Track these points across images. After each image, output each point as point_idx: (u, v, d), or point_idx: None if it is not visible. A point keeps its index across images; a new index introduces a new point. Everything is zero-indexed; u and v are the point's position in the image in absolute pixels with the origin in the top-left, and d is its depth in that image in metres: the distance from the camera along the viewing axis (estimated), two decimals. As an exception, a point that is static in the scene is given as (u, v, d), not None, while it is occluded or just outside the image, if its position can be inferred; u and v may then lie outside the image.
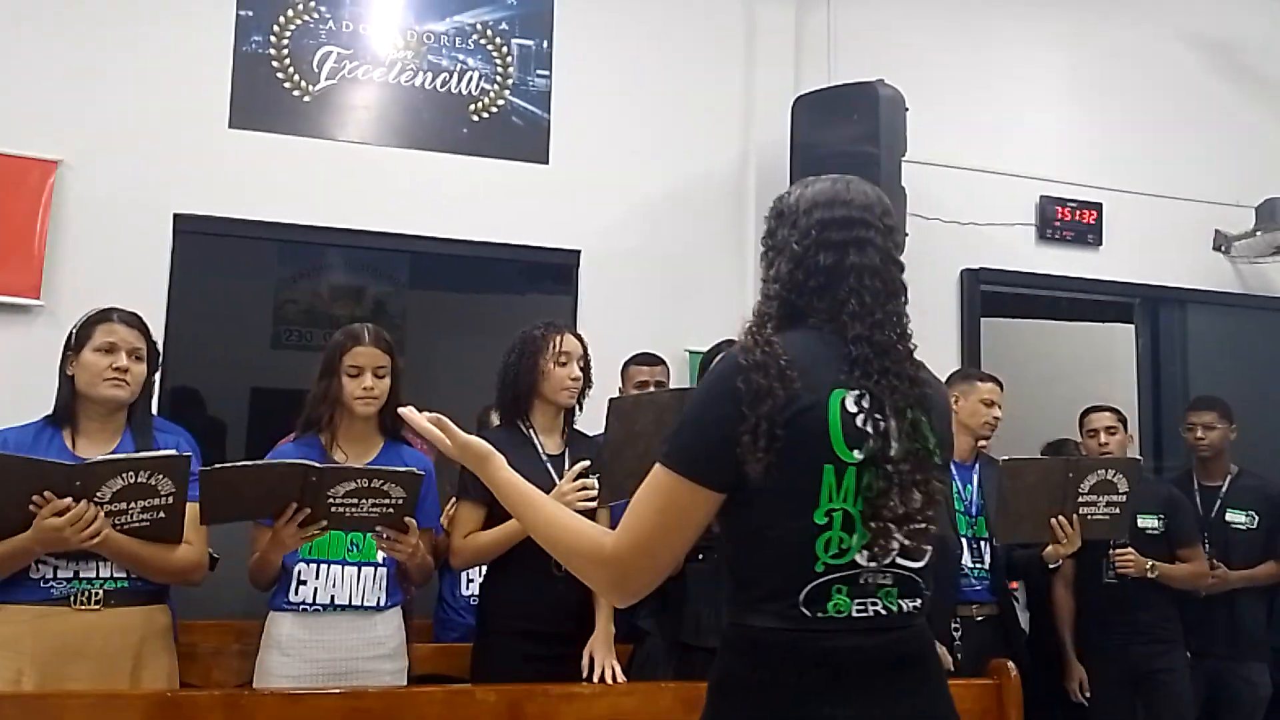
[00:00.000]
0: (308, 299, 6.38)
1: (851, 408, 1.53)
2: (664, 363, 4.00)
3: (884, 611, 1.55)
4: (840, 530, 1.51)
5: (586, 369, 3.02)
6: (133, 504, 2.43)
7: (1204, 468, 4.37)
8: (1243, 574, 4.20)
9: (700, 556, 2.83)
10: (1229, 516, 4.27)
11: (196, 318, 4.61)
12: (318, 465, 2.51)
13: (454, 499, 3.16)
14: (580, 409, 3.06)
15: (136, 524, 2.47)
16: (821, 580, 1.51)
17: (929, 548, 1.59)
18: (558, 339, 2.96)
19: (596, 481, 2.81)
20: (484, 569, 3.04)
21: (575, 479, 2.76)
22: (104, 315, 2.66)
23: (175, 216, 4.13)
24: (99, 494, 2.38)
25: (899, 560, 1.55)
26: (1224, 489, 4.31)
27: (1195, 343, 5.34)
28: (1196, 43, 5.48)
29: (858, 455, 1.52)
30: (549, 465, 2.92)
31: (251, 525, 2.72)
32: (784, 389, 1.49)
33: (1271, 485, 4.39)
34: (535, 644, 2.79)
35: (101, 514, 2.38)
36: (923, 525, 1.55)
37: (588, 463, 2.78)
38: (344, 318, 5.73)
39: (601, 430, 2.40)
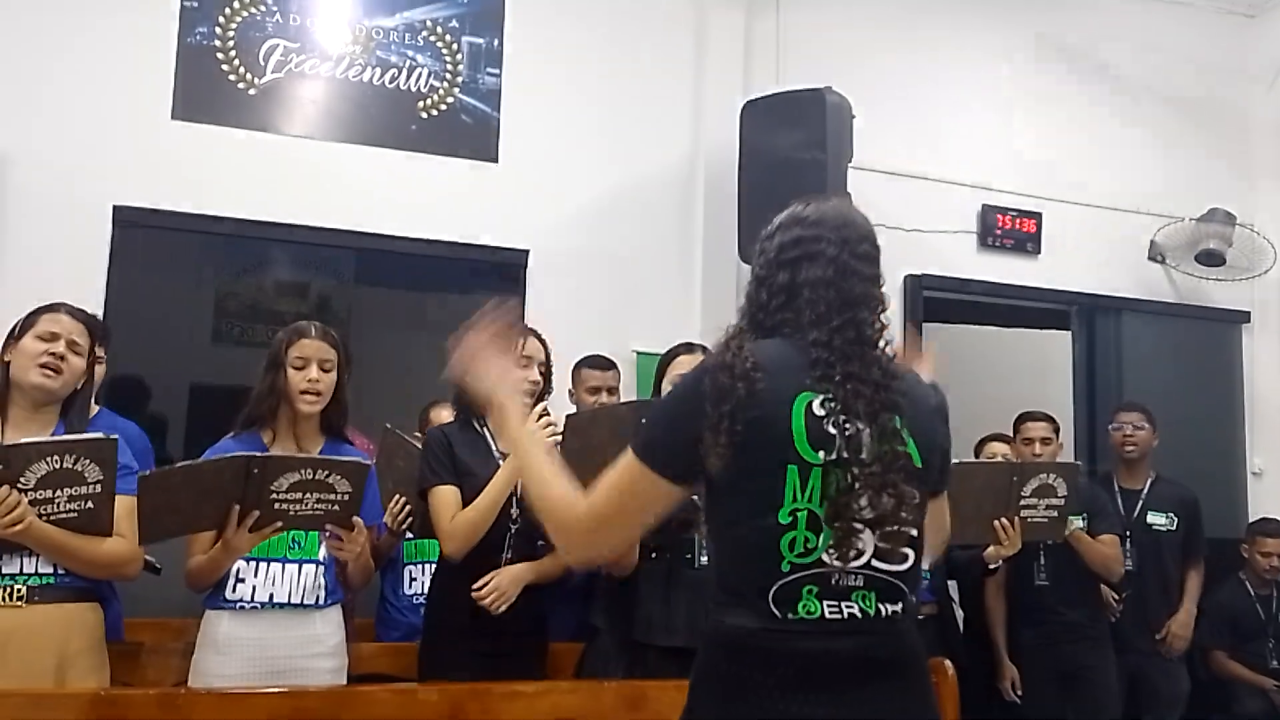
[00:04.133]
0: (250, 294, 6.29)
1: (819, 410, 1.57)
2: (616, 367, 4.00)
3: (859, 614, 1.56)
4: (805, 530, 1.54)
5: (547, 374, 3.02)
6: (59, 492, 2.36)
7: (1126, 470, 4.49)
8: (1186, 611, 4.38)
9: (654, 555, 2.86)
10: (1150, 519, 4.39)
11: (135, 311, 4.53)
12: (259, 455, 2.47)
13: (396, 496, 3.15)
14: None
15: (64, 514, 2.39)
16: (789, 580, 1.54)
17: (909, 552, 1.61)
18: (521, 342, 2.95)
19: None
20: (433, 567, 3.03)
21: (538, 419, 2.75)
22: (52, 306, 2.61)
23: (115, 209, 4.06)
24: (22, 480, 2.30)
25: (874, 563, 1.57)
26: (1144, 492, 4.44)
27: (1130, 350, 5.47)
28: (1135, 57, 5.61)
29: (823, 456, 1.55)
30: (502, 462, 2.90)
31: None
32: (747, 388, 1.55)
33: (1187, 490, 4.53)
34: (482, 640, 2.77)
35: (25, 500, 2.31)
36: (899, 529, 1.57)
37: (545, 404, 2.80)
38: (288, 313, 5.66)
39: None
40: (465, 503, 2.81)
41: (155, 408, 5.12)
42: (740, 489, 1.57)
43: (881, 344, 1.65)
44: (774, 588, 1.54)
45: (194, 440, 4.72)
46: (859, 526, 1.55)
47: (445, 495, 2.82)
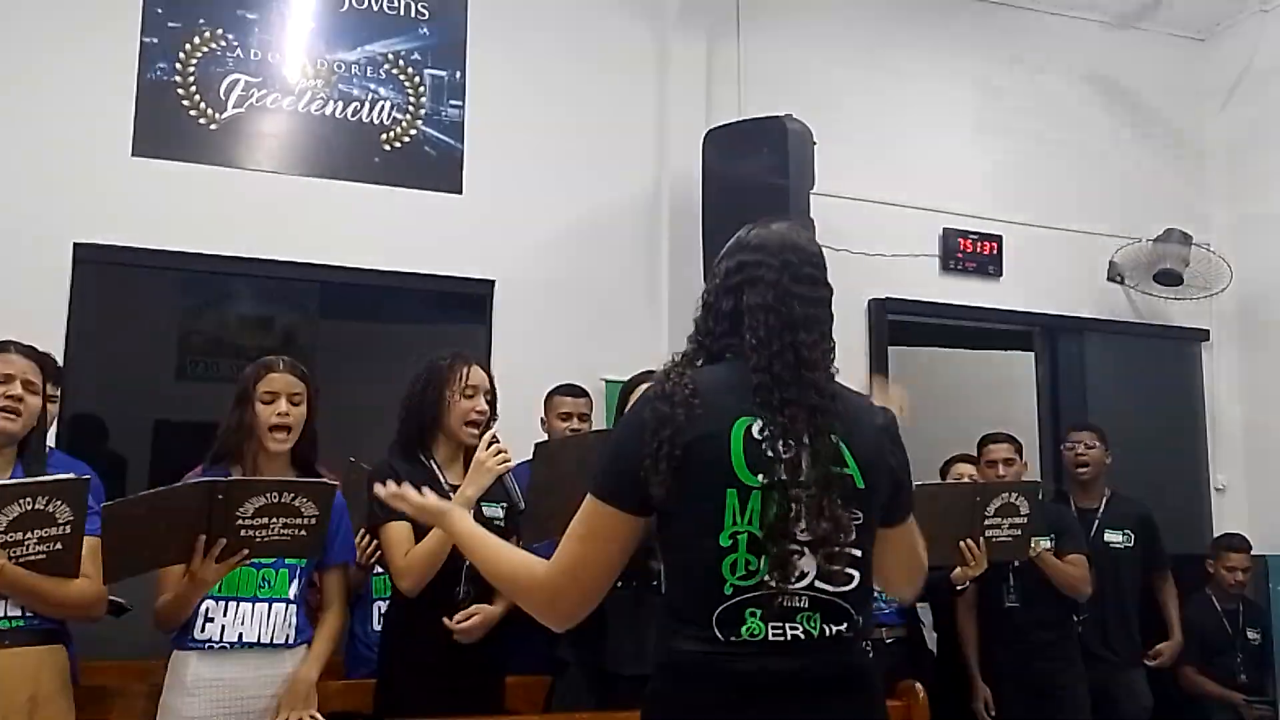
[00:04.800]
0: (214, 329, 6.25)
1: (757, 434, 1.58)
2: (588, 394, 4.00)
3: (803, 636, 1.57)
4: (746, 553, 1.56)
5: (493, 403, 2.99)
6: (29, 534, 2.33)
7: (1081, 490, 4.53)
8: (1175, 641, 4.50)
9: (620, 584, 2.84)
10: (1107, 537, 4.43)
11: (97, 349, 4.49)
12: (223, 480, 2.45)
13: (362, 531, 3.12)
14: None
15: (32, 556, 2.36)
16: (731, 603, 1.56)
17: (853, 572, 1.61)
18: (465, 370, 2.93)
19: (521, 520, 2.81)
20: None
21: (488, 447, 2.75)
22: (1, 346, 2.58)
23: (75, 246, 4.03)
24: None
25: (817, 584, 1.58)
26: (1100, 510, 4.47)
27: (1092, 370, 5.52)
28: (1093, 82, 5.70)
29: (761, 479, 1.57)
30: (452, 495, 2.88)
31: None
32: (686, 415, 1.58)
33: (1142, 505, 4.58)
34: (439, 676, 2.74)
35: None
36: (840, 549, 1.58)
37: (494, 429, 2.83)
38: (252, 348, 5.62)
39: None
40: (418, 537, 2.78)
41: (118, 446, 5.07)
42: (683, 514, 1.59)
43: (824, 365, 1.67)
44: (717, 611, 1.56)
45: (158, 478, 4.63)
46: (798, 548, 1.56)
47: (397, 532, 2.78)
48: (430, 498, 1.91)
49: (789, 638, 1.56)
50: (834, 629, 1.60)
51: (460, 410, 2.89)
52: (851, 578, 1.61)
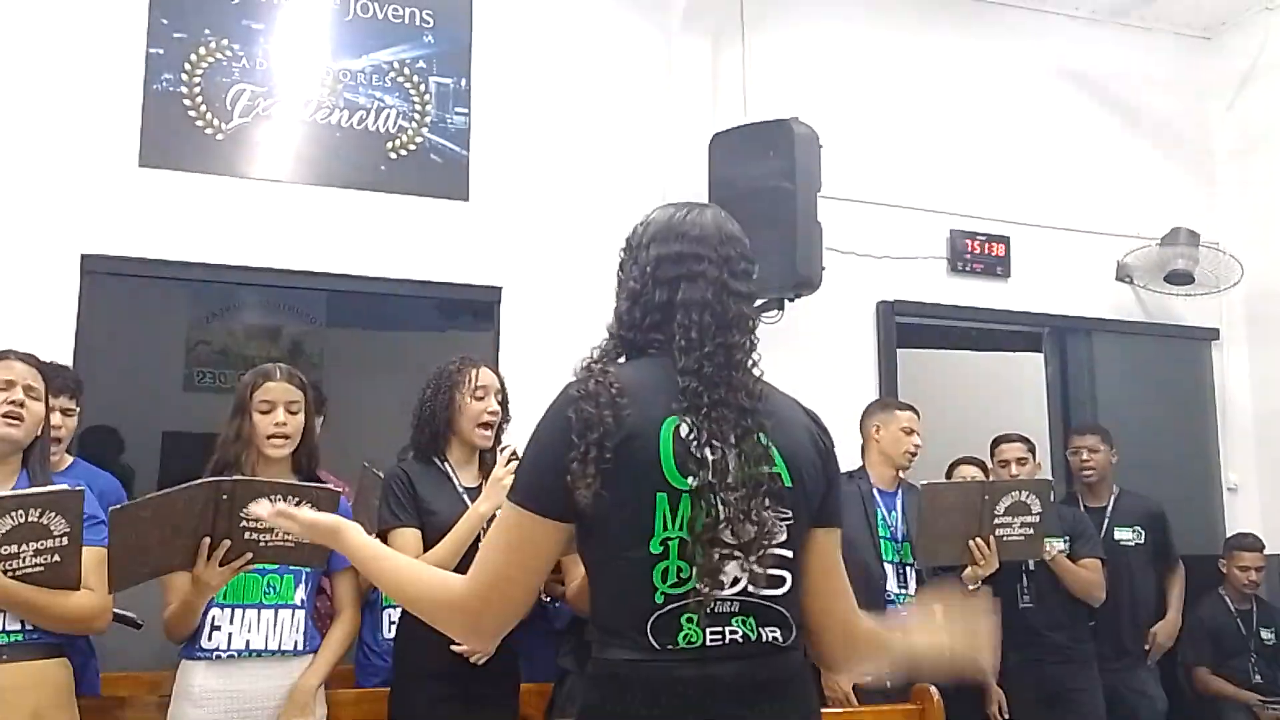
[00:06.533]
0: (221, 339, 6.27)
1: (685, 434, 1.52)
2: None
3: (740, 639, 1.52)
4: (677, 559, 1.50)
5: (504, 403, 3.01)
6: (24, 546, 2.32)
7: (1089, 490, 4.52)
8: (1170, 621, 4.45)
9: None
10: (1117, 535, 4.42)
11: (106, 360, 4.50)
12: (229, 479, 2.44)
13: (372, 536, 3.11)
14: (500, 444, 3.03)
15: (30, 569, 2.35)
16: (664, 611, 1.49)
17: (785, 574, 1.56)
18: (474, 373, 2.94)
19: None
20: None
21: (507, 463, 2.72)
22: (1, 354, 2.58)
23: (83, 257, 4.03)
24: None
25: (749, 588, 1.53)
26: (1109, 509, 4.47)
27: (1102, 370, 5.49)
28: (1096, 80, 5.68)
29: (691, 482, 1.50)
30: (465, 498, 2.88)
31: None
32: (613, 415, 1.50)
33: (1152, 501, 4.57)
34: (453, 684, 2.73)
35: None
36: (768, 551, 1.53)
37: (512, 448, 2.78)
38: (259, 358, 5.64)
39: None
40: (429, 543, 2.77)
41: (127, 457, 5.07)
42: (611, 520, 1.51)
43: (753, 365, 1.61)
44: (651, 619, 1.49)
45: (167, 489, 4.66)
46: (727, 553, 1.50)
47: (405, 538, 2.78)
48: (320, 515, 1.76)
49: (728, 641, 1.51)
50: (769, 633, 1.54)
51: (472, 412, 2.91)
52: (782, 580, 1.56)
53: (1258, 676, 4.71)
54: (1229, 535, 5.18)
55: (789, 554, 1.57)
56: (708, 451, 1.51)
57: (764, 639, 1.54)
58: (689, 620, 1.50)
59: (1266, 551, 4.93)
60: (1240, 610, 4.81)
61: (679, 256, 1.62)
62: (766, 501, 1.53)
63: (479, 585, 1.56)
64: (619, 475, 1.49)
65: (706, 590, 1.49)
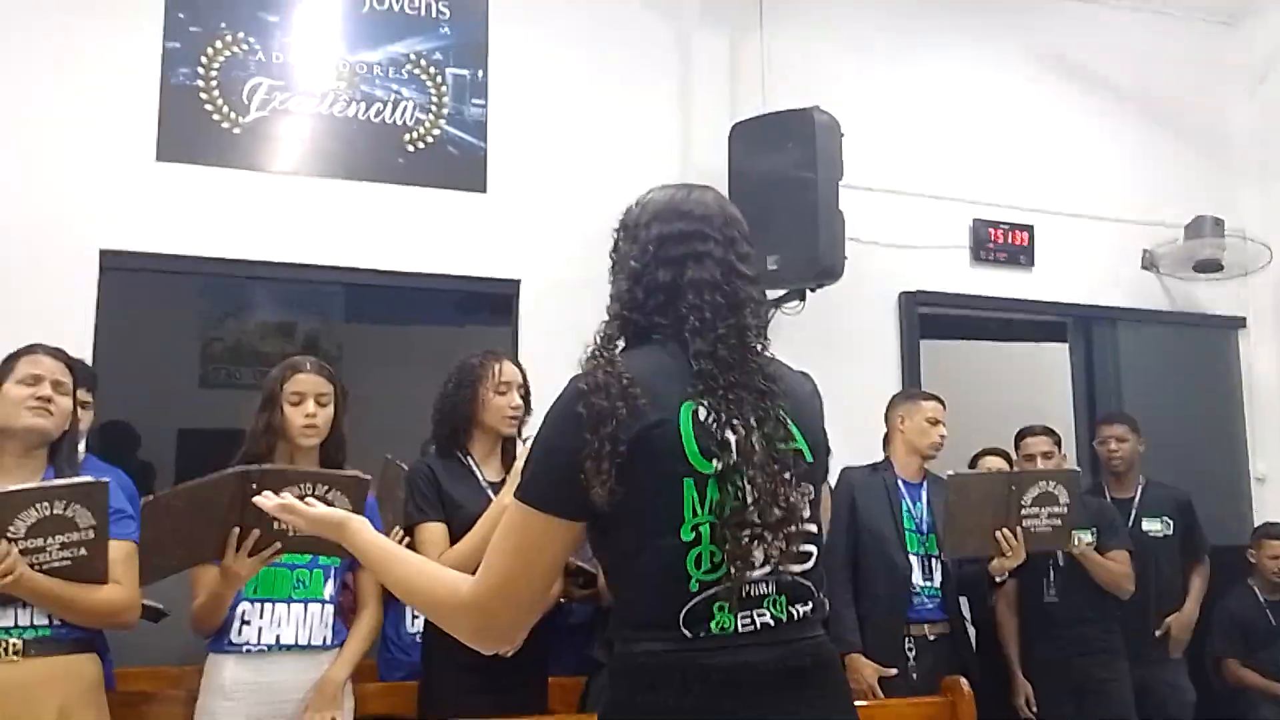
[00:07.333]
0: (237, 336, 6.26)
1: (704, 418, 1.49)
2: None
3: (772, 622, 1.50)
4: (710, 544, 1.47)
5: (527, 396, 2.99)
6: (50, 540, 2.31)
7: (1116, 480, 4.48)
8: (1187, 613, 4.37)
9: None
10: (1145, 525, 4.38)
11: (123, 356, 4.49)
12: (256, 468, 2.43)
13: (397, 530, 3.10)
14: (521, 436, 3.01)
15: (56, 563, 2.33)
16: (699, 599, 1.47)
17: (811, 549, 1.56)
18: (497, 367, 2.94)
19: None
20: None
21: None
22: (28, 349, 2.57)
23: (101, 252, 4.02)
24: (11, 529, 2.25)
25: (780, 566, 1.51)
26: (1137, 499, 4.42)
27: (1127, 360, 5.44)
28: (1118, 67, 5.63)
29: (716, 465, 1.48)
30: (490, 492, 2.87)
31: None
32: (627, 408, 1.46)
33: (1180, 491, 4.52)
34: (483, 676, 2.70)
35: (15, 551, 2.25)
36: (798, 529, 1.52)
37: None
38: (275, 355, 5.62)
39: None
40: (455, 537, 2.75)
41: (144, 454, 5.07)
42: (634, 514, 1.47)
43: (761, 346, 1.58)
44: (684, 609, 1.46)
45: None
46: (758, 533, 1.48)
47: (432, 533, 2.78)
48: (325, 510, 1.73)
49: (759, 626, 1.49)
50: (800, 610, 1.54)
51: (496, 406, 2.90)
52: (809, 555, 1.56)
53: (1288, 668, 4.65)
54: (1257, 525, 5.11)
55: (814, 528, 1.57)
56: (729, 433, 1.49)
57: (794, 617, 1.53)
58: (720, 608, 1.47)
59: (1295, 541, 4.86)
60: (1270, 601, 4.74)
61: (683, 235, 1.59)
62: (792, 480, 1.52)
63: (486, 588, 1.52)
64: (639, 466, 1.45)
65: (737, 573, 1.47)
